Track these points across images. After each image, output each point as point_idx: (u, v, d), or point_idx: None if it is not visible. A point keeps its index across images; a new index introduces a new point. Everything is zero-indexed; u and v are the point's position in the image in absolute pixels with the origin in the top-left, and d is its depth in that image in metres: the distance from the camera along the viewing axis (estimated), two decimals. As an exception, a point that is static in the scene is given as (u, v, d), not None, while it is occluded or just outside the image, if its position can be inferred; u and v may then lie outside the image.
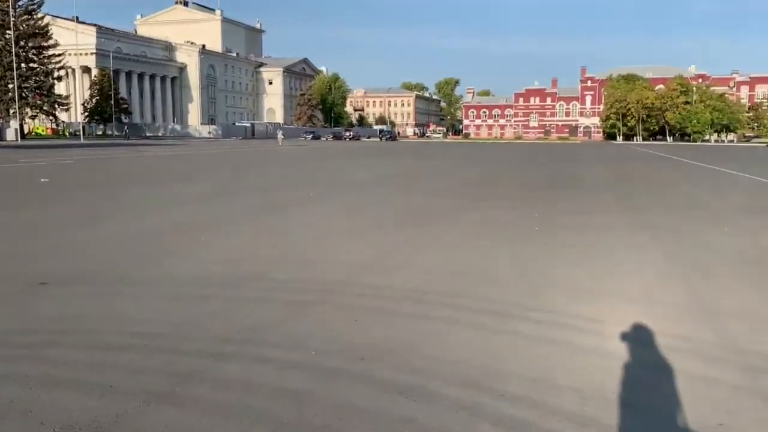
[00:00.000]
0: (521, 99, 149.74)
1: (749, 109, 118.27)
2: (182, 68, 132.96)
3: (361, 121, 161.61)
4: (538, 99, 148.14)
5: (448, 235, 9.86)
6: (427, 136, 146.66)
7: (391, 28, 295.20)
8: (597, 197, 16.36)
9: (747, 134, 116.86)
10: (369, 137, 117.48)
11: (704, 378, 4.23)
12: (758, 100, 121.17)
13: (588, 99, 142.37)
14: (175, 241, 9.18)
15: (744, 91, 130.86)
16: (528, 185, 19.99)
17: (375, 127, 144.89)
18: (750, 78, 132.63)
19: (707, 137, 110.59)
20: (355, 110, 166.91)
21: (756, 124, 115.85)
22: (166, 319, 5.34)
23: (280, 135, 72.22)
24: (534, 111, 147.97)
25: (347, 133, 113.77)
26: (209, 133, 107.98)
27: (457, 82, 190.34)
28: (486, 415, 3.61)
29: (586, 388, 4.01)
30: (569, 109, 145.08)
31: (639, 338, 5.01)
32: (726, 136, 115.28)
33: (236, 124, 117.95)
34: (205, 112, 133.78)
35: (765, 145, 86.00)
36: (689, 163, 35.62)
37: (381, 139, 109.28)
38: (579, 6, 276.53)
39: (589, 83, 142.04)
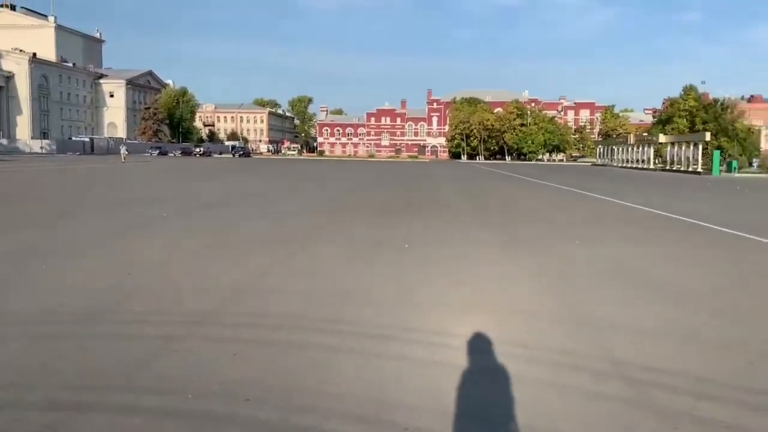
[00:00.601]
0: (373, 118, 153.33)
1: (575, 131, 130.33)
2: (9, 77, 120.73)
3: (212, 136, 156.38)
4: (388, 119, 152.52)
5: (320, 255, 9.55)
6: (282, 153, 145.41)
7: (241, 43, 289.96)
8: (456, 214, 16.87)
9: (574, 154, 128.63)
10: (221, 153, 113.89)
11: (591, 393, 4.30)
12: (582, 124, 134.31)
13: (435, 120, 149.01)
14: (7, 270, 8.01)
15: (570, 115, 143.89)
16: (389, 202, 20.21)
17: (227, 143, 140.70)
18: (575, 103, 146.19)
19: (540, 156, 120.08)
20: (205, 125, 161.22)
21: (581, 145, 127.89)
22: (7, 366, 4.53)
23: (123, 150, 67.58)
24: (385, 130, 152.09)
25: (197, 149, 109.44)
26: (41, 148, 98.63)
27: (310, 100, 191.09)
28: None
29: (488, 417, 3.90)
30: (418, 129, 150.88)
31: (527, 355, 5.04)
32: (556, 156, 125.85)
33: (73, 138, 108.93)
34: (36, 126, 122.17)
35: (590, 164, 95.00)
36: (530, 181, 38.22)
37: (234, 155, 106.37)
38: (424, 30, 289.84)
39: (435, 105, 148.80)
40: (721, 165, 55.66)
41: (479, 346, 5.27)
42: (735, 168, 57.63)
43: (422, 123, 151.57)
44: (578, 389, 4.37)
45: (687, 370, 4.74)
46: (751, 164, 69.04)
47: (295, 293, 7.00)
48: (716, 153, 57.23)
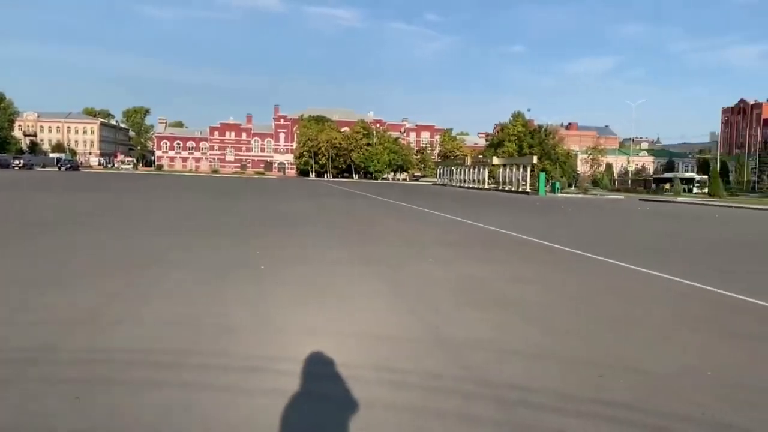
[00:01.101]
0: (216, 132, 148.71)
1: (417, 152, 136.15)
2: None
3: (34, 147, 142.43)
4: (233, 133, 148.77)
5: (170, 279, 8.87)
6: (115, 167, 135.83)
7: (70, 48, 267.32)
8: (309, 230, 16.67)
9: (416, 174, 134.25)
10: (44, 166, 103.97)
11: (462, 414, 4.31)
12: (423, 145, 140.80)
13: (282, 136, 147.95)
14: None
15: (413, 136, 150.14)
16: (236, 220, 19.51)
17: (52, 155, 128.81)
18: (416, 126, 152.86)
19: (386, 175, 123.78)
20: (26, 135, 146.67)
21: (423, 165, 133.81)
22: None
23: None
24: (230, 145, 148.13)
25: (16, 161, 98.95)
26: None
27: (147, 111, 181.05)
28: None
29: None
30: (264, 145, 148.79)
31: (391, 378, 4.96)
32: (400, 175, 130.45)
33: None
34: None
35: (431, 183, 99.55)
36: (377, 199, 39.06)
37: (60, 168, 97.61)
38: (271, 46, 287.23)
39: (282, 121, 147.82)
40: (546, 186, 60.79)
41: (323, 371, 5.11)
42: (558, 189, 63.23)
43: (269, 139, 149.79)
44: (448, 412, 4.37)
45: (548, 388, 4.93)
46: (570, 185, 76.25)
47: (142, 322, 6.40)
48: (542, 175, 62.46)
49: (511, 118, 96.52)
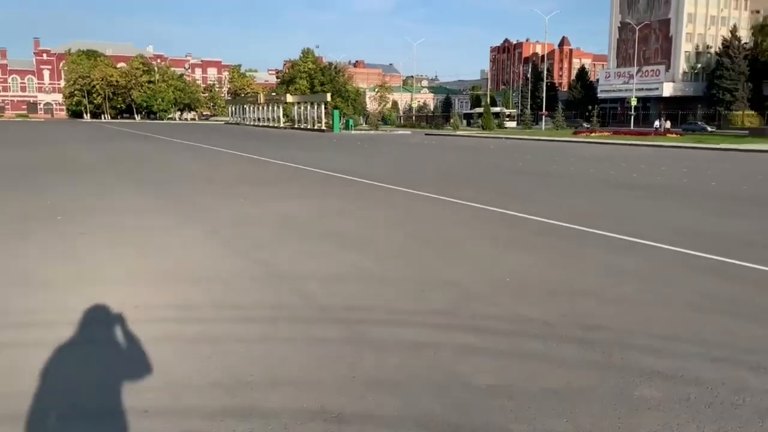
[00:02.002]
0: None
1: (205, 90, 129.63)
2: None
3: None
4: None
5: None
6: None
7: None
8: (104, 180, 15.45)
9: (205, 113, 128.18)
10: None
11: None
12: (211, 82, 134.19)
13: (46, 74, 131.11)
14: None
15: (198, 73, 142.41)
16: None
17: None
18: (202, 61, 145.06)
19: (172, 115, 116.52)
20: None
21: (212, 104, 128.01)
22: None
23: None
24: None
25: None
26: None
27: None
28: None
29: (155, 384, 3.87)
30: (25, 83, 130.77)
31: (234, 315, 5.08)
32: (188, 115, 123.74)
33: None
34: None
35: (223, 122, 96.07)
36: (170, 141, 36.94)
37: None
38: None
39: (45, 56, 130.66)
40: (340, 123, 62.15)
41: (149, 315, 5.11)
42: (352, 126, 65.04)
43: (30, 77, 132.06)
44: (295, 337, 4.63)
45: (381, 305, 5.41)
46: (364, 122, 78.84)
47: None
48: (336, 112, 63.62)
49: (302, 55, 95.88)
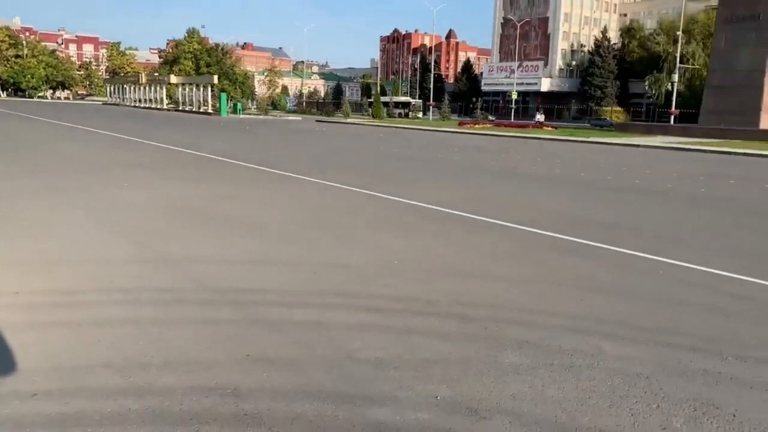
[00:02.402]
0: None
1: (80, 67, 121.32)
2: None
3: None
4: None
5: None
6: None
7: None
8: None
9: (80, 92, 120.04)
10: None
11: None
12: (87, 60, 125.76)
13: None
14: None
15: (73, 49, 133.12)
16: None
17: None
18: (77, 37, 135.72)
19: (42, 93, 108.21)
20: None
21: (89, 83, 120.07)
22: None
23: None
24: None
25: None
26: None
27: None
28: None
29: None
30: None
31: (125, 298, 5.02)
32: (62, 93, 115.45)
33: None
34: None
35: (101, 102, 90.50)
36: (42, 120, 34.46)
37: None
38: None
39: None
40: (228, 106, 60.58)
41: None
42: (240, 109, 63.61)
43: None
44: (189, 319, 4.67)
45: (274, 287, 5.54)
46: (253, 107, 77.25)
47: None
48: (223, 95, 61.91)
49: (186, 35, 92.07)
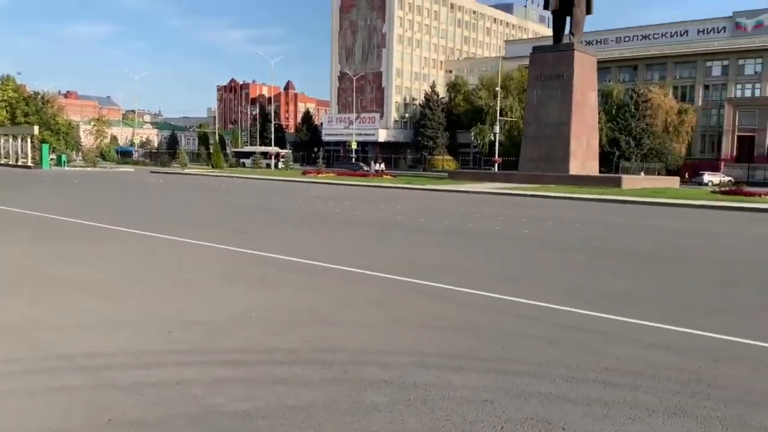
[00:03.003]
0: None
1: None
2: None
3: None
4: None
5: None
6: None
7: None
8: None
9: None
10: None
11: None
12: None
13: None
14: None
15: None
16: None
17: None
18: None
19: None
20: None
21: None
22: None
23: None
24: None
25: None
26: None
27: None
28: None
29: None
30: None
31: (-41, 376, 4.62)
32: None
33: None
34: None
35: None
36: None
37: None
38: None
39: None
40: (50, 159, 56.15)
41: None
42: (65, 162, 59.20)
43: None
44: (39, 389, 4.42)
45: (127, 349, 5.38)
46: (79, 158, 72.20)
47: None
48: (45, 147, 57.36)
49: (0, 83, 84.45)
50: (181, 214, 18.28)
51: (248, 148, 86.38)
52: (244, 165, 72.99)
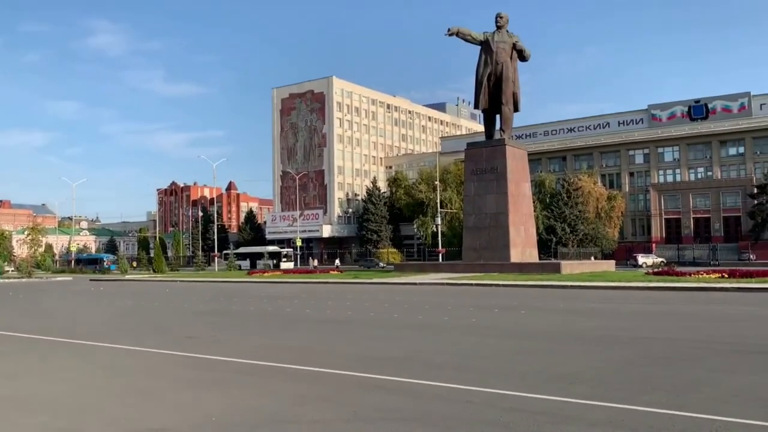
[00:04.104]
0: None
1: None
2: None
3: None
4: None
5: None
6: None
7: None
8: None
9: None
10: None
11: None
12: None
13: None
14: None
15: None
16: None
17: None
18: None
19: None
20: None
21: None
22: None
23: None
24: None
25: None
26: None
27: None
28: None
29: None
30: None
31: None
32: None
33: None
34: None
35: None
36: None
37: None
38: None
39: None
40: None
41: None
42: (1, 273, 56.98)
43: None
44: None
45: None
46: (12, 269, 69.62)
47: None
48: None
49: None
50: (129, 322, 17.92)
51: (252, 249, 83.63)
52: (239, 267, 70.57)
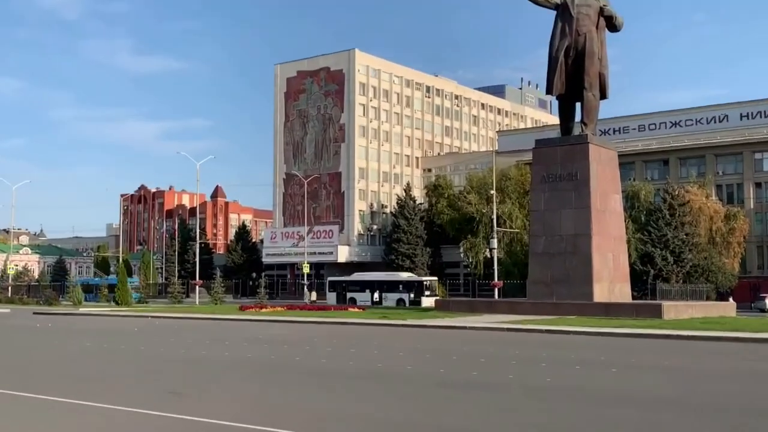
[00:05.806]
0: None
1: None
2: None
3: None
4: None
5: None
6: None
7: None
8: None
9: None
10: None
11: None
12: None
13: None
14: None
15: None
16: None
17: None
18: None
19: None
20: None
21: None
22: None
23: None
24: None
25: None
26: None
27: None
28: None
29: None
30: None
31: None
32: None
33: None
34: None
35: None
36: None
37: None
38: None
39: None
40: None
41: None
42: None
43: None
44: None
45: None
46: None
47: None
48: None
49: None
50: (94, 373, 18.25)
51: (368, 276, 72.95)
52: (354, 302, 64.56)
